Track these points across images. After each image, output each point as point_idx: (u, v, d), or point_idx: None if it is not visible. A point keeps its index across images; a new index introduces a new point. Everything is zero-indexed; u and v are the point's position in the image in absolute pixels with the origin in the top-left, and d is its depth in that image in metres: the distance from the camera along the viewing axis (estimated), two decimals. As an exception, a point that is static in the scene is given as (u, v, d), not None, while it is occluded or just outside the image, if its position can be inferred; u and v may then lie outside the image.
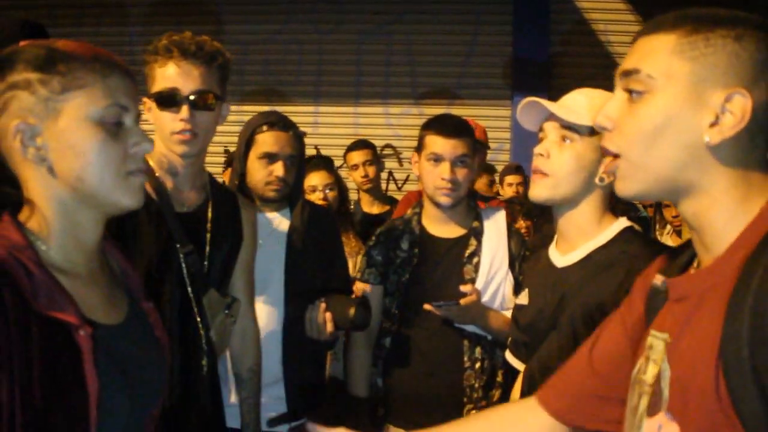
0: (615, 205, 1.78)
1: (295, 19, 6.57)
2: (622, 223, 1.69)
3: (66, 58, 1.04)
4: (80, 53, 1.05)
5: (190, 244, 1.78)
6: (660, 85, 0.92)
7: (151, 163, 1.81)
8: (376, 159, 4.05)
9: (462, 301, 2.09)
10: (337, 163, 4.73)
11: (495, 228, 2.30)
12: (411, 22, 6.48)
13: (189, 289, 1.78)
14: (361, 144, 4.09)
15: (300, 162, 2.28)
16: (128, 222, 1.70)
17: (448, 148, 2.19)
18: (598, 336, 1.18)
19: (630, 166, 0.95)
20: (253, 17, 6.60)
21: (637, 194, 0.98)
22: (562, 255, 1.72)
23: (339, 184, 3.27)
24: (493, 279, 2.25)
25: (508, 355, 1.92)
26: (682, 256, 1.02)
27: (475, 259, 2.25)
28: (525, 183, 4.88)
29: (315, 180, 3.16)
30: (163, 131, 1.76)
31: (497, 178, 5.15)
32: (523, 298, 1.80)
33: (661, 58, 0.92)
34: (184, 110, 1.73)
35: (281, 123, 2.22)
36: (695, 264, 0.99)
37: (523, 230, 3.67)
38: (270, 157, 2.18)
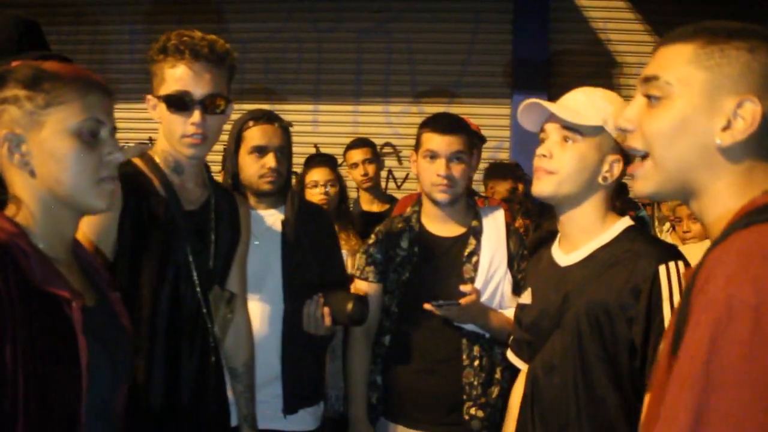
0: (615, 204, 1.78)
1: (295, 18, 6.56)
2: (626, 222, 1.70)
3: (50, 77, 1.20)
4: (63, 74, 1.22)
5: (199, 242, 1.81)
6: (677, 92, 1.00)
7: (157, 160, 1.82)
8: (376, 157, 4.04)
9: (461, 301, 2.09)
10: (339, 161, 4.74)
11: (494, 227, 2.30)
12: (411, 20, 6.47)
13: (198, 287, 1.80)
14: (361, 142, 4.08)
15: (289, 153, 2.30)
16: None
17: (444, 144, 2.20)
18: None
19: (652, 166, 1.03)
20: (253, 15, 6.59)
21: (653, 193, 1.05)
22: (565, 254, 1.72)
23: (340, 182, 3.28)
24: (492, 278, 2.25)
25: (510, 355, 1.92)
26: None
27: (474, 258, 2.25)
28: (525, 182, 4.87)
29: (317, 176, 3.17)
30: (173, 133, 1.76)
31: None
32: (526, 298, 1.80)
33: (678, 67, 1.00)
34: (196, 115, 1.72)
35: (266, 116, 2.26)
36: None
37: (521, 229, 3.66)
38: (260, 151, 2.22)
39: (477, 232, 2.28)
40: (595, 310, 1.58)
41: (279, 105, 5.96)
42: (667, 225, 4.03)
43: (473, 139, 2.29)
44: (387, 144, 6.40)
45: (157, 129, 1.85)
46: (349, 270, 2.65)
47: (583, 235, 1.69)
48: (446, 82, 6.44)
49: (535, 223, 3.84)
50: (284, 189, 2.30)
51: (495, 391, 2.23)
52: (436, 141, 2.21)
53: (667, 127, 1.00)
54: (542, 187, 1.67)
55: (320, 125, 6.51)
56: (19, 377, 1.06)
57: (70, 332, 1.15)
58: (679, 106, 0.99)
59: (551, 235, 1.83)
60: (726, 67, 0.97)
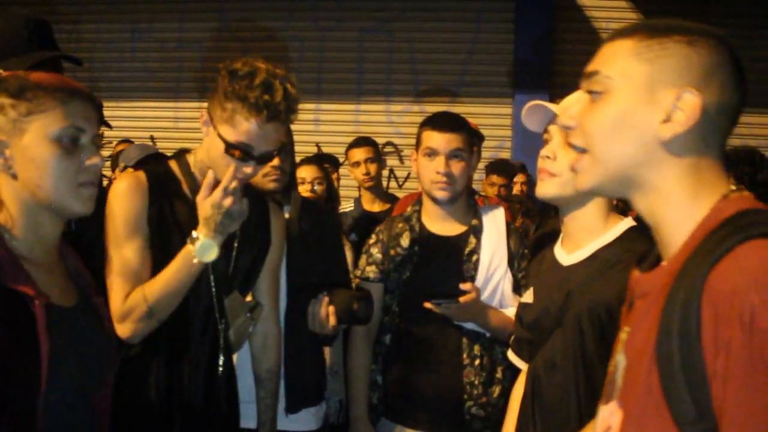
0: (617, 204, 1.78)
1: (297, 17, 6.57)
2: (628, 222, 1.70)
3: (34, 87, 1.26)
4: (46, 83, 1.28)
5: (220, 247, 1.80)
6: (617, 85, 0.99)
7: (192, 166, 1.84)
8: (378, 156, 4.04)
9: (461, 300, 2.09)
10: (340, 160, 4.74)
11: (494, 226, 2.30)
12: (412, 19, 6.48)
13: (213, 289, 1.81)
14: (363, 141, 4.08)
15: (291, 151, 2.29)
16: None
17: (443, 142, 2.20)
18: None
19: (591, 161, 1.01)
20: (254, 14, 6.59)
21: (593, 188, 1.04)
22: (568, 254, 1.73)
23: (328, 180, 3.28)
24: (492, 277, 2.25)
25: (511, 354, 1.93)
26: (654, 253, 1.06)
27: (475, 257, 2.25)
28: (528, 182, 4.87)
29: (304, 173, 3.18)
30: (219, 163, 1.73)
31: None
32: (528, 297, 1.81)
33: (619, 61, 1.00)
34: (250, 166, 1.73)
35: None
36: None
37: (520, 230, 3.66)
38: None
39: (477, 231, 2.28)
40: (596, 309, 1.59)
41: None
42: None
43: (473, 138, 2.29)
44: (388, 143, 6.41)
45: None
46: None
47: (586, 235, 1.69)
48: (448, 82, 6.45)
49: (537, 223, 3.84)
50: (289, 187, 2.30)
51: (496, 390, 2.23)
52: (435, 139, 2.22)
53: (608, 121, 0.99)
54: (546, 189, 1.68)
55: (322, 124, 6.52)
56: None
57: (32, 328, 1.19)
58: (619, 99, 0.98)
59: (553, 234, 1.83)
60: (666, 59, 0.97)
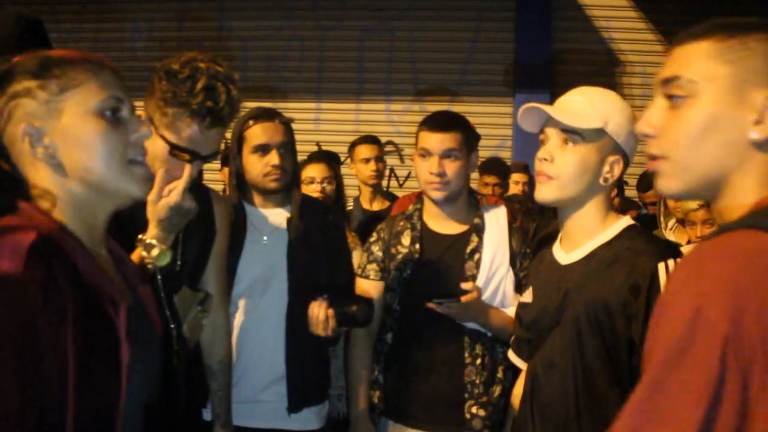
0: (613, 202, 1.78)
1: (297, 16, 6.56)
2: (626, 220, 1.70)
3: (58, 62, 1.13)
4: (70, 57, 1.15)
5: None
6: (702, 89, 0.98)
7: None
8: (382, 155, 4.07)
9: (463, 299, 2.09)
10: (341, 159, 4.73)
11: (496, 225, 2.30)
12: (413, 18, 6.47)
13: (162, 291, 1.74)
14: (371, 139, 4.11)
15: (293, 149, 2.28)
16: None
17: (435, 142, 2.20)
18: None
19: (674, 167, 1.00)
20: (254, 13, 6.59)
21: (679, 192, 1.03)
22: (566, 253, 1.72)
23: (337, 180, 3.26)
24: (494, 276, 2.24)
25: (511, 354, 1.92)
26: None
27: (477, 256, 2.25)
28: (530, 182, 4.86)
29: (313, 172, 3.15)
30: (162, 162, 1.68)
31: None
32: (527, 297, 1.80)
33: (700, 64, 0.98)
34: (192, 167, 1.68)
35: (266, 114, 2.24)
36: None
37: (519, 230, 3.66)
38: (262, 149, 2.20)
39: (479, 230, 2.28)
40: (595, 307, 1.59)
41: (281, 103, 5.96)
42: (672, 221, 4.03)
43: (470, 137, 2.28)
44: (389, 142, 6.40)
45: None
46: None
47: (585, 234, 1.69)
48: (448, 81, 6.44)
49: (536, 223, 3.84)
50: (291, 186, 2.28)
51: (497, 390, 2.22)
52: (428, 139, 2.22)
53: (696, 127, 0.97)
54: (545, 193, 1.67)
55: (322, 123, 6.51)
56: (70, 369, 1.00)
57: (113, 335, 1.09)
58: (706, 103, 0.97)
59: (556, 235, 1.83)
60: (750, 59, 0.96)
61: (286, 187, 2.26)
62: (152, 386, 1.26)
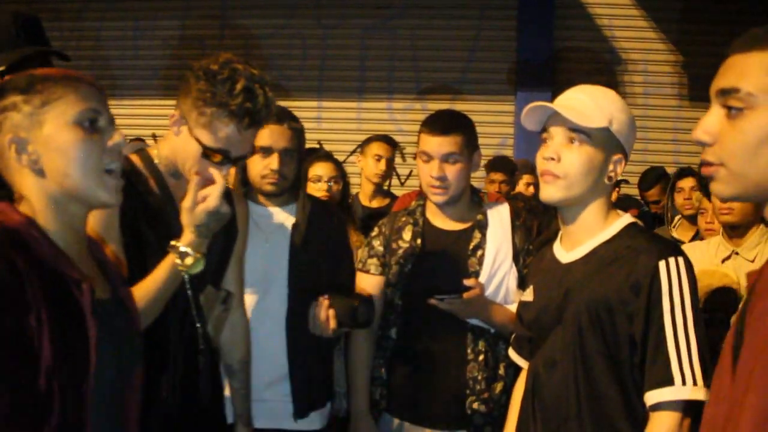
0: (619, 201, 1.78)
1: (299, 14, 6.56)
2: (627, 218, 1.70)
3: (42, 79, 1.27)
4: (53, 74, 1.29)
5: None
6: (761, 102, 1.00)
7: (156, 161, 1.79)
8: (394, 157, 4.11)
9: (465, 295, 2.09)
10: (340, 158, 4.73)
11: (499, 221, 2.30)
12: (415, 17, 6.47)
13: (188, 287, 1.75)
14: (389, 140, 4.13)
15: (299, 156, 2.27)
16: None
17: (435, 146, 2.19)
18: None
19: (730, 174, 1.03)
20: (256, 12, 6.59)
21: (732, 197, 1.07)
22: (567, 251, 1.72)
23: (344, 179, 3.26)
24: (496, 272, 2.24)
25: (511, 353, 1.93)
26: None
27: (479, 252, 2.25)
28: (536, 182, 4.85)
29: (320, 170, 3.15)
30: (192, 164, 1.70)
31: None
32: (528, 295, 1.80)
33: (759, 76, 1.00)
34: (226, 170, 1.69)
35: (275, 116, 2.20)
36: None
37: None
38: (265, 151, 2.19)
39: (482, 226, 2.28)
40: (595, 305, 1.59)
41: (283, 101, 5.91)
42: (676, 220, 4.05)
43: (471, 138, 2.27)
44: (390, 141, 6.39)
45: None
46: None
47: (586, 233, 1.69)
48: (450, 79, 6.44)
49: (540, 222, 3.83)
50: (293, 189, 2.27)
51: (498, 386, 2.22)
52: (428, 143, 2.21)
53: (754, 140, 1.00)
54: (551, 192, 1.65)
55: (324, 122, 6.51)
56: (45, 349, 1.11)
57: (80, 313, 1.20)
58: (764, 117, 0.99)
59: (556, 235, 1.83)
60: None
61: (284, 192, 2.25)
62: (126, 376, 1.35)
